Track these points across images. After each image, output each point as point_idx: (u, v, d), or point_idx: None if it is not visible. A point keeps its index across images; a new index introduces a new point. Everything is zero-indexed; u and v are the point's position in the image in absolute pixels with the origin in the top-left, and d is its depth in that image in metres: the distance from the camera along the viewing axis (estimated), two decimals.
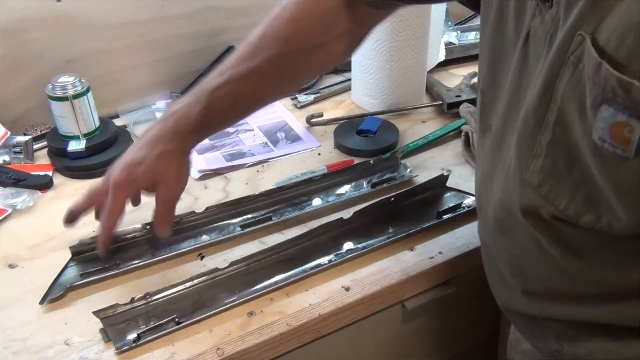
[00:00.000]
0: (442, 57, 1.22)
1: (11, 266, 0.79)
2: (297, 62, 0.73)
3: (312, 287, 0.75)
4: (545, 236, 0.53)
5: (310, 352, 0.74)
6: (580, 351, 0.58)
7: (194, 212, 0.84)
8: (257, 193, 0.88)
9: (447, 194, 0.89)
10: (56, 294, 0.73)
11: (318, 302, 0.72)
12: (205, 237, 0.82)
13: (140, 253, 0.80)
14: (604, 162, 0.44)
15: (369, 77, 1.10)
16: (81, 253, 0.79)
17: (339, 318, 0.73)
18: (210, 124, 0.74)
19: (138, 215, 0.81)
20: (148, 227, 0.81)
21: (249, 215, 0.86)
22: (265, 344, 0.68)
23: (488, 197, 0.61)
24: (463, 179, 0.93)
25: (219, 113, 0.73)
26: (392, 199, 0.85)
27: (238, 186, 0.92)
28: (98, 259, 0.77)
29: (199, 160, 0.99)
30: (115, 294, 0.74)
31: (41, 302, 0.73)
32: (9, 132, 1.01)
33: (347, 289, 0.74)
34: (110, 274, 0.77)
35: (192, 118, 0.72)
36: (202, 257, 0.79)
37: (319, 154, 1.01)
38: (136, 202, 0.79)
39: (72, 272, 0.77)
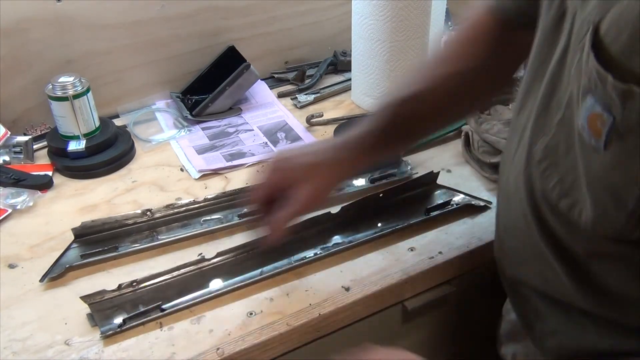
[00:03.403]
0: None
1: (11, 266, 0.79)
2: (461, 83, 0.72)
3: (307, 283, 0.75)
4: (532, 213, 0.55)
5: (310, 352, 0.74)
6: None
7: (194, 200, 0.86)
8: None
9: (438, 192, 0.90)
10: (56, 273, 0.75)
11: (318, 302, 0.72)
12: (204, 226, 0.84)
13: (140, 238, 0.82)
14: (582, 149, 0.46)
15: (369, 77, 1.10)
16: (84, 235, 0.81)
17: (339, 318, 0.73)
18: (388, 140, 0.70)
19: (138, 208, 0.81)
20: (148, 212, 0.83)
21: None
22: (265, 344, 0.68)
23: (505, 162, 0.64)
24: (463, 179, 0.93)
25: (398, 131, 0.71)
26: (381, 194, 0.86)
27: (238, 186, 0.92)
28: (100, 242, 0.80)
29: (199, 160, 0.99)
30: (112, 277, 0.76)
31: (41, 280, 0.75)
32: (9, 132, 1.01)
33: (347, 289, 0.74)
34: (109, 255, 0.79)
35: (375, 132, 0.69)
36: (200, 255, 0.79)
37: None
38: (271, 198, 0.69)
39: (74, 253, 0.79)
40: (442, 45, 0.78)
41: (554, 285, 0.58)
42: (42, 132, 1.05)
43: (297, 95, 1.17)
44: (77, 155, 0.97)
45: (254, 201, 0.68)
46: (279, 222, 0.66)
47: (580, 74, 0.45)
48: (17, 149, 0.98)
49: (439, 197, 0.89)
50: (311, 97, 1.17)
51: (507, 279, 0.69)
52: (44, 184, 0.93)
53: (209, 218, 0.85)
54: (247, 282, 0.75)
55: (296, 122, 1.10)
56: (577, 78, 0.45)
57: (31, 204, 0.89)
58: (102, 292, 0.71)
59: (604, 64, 0.41)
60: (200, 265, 0.76)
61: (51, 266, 0.77)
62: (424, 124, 0.74)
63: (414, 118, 0.71)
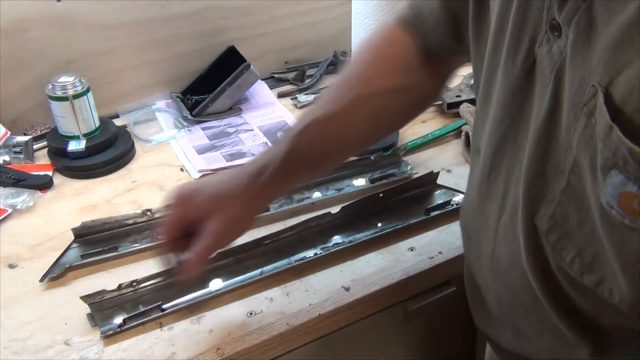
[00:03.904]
0: None
1: (11, 266, 0.79)
2: (381, 104, 0.66)
3: (307, 283, 0.75)
4: (542, 287, 0.50)
5: (310, 352, 0.74)
6: None
7: None
8: None
9: (438, 192, 0.90)
10: (56, 273, 0.75)
11: (318, 302, 0.72)
12: None
13: (140, 238, 0.82)
14: (611, 227, 0.40)
15: None
16: (84, 235, 0.81)
17: (339, 318, 0.73)
18: (295, 168, 0.65)
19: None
20: (148, 212, 0.83)
21: None
22: (265, 344, 0.68)
23: (480, 230, 0.58)
24: (463, 179, 0.93)
25: (304, 157, 0.65)
26: (381, 194, 0.86)
27: None
28: (100, 242, 0.80)
29: (199, 160, 0.99)
30: (112, 277, 0.76)
31: (41, 280, 0.75)
32: (9, 132, 1.01)
33: (347, 289, 0.74)
34: (109, 255, 0.79)
35: (277, 160, 0.63)
36: None
37: None
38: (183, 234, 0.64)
39: (74, 253, 0.79)
40: (352, 62, 0.70)
41: None
42: (42, 132, 1.05)
43: (297, 95, 1.17)
44: (77, 155, 0.97)
45: (165, 238, 0.64)
46: (193, 260, 0.62)
47: (590, 143, 0.40)
48: (17, 149, 0.98)
49: (439, 197, 0.89)
50: (311, 97, 1.17)
51: (503, 351, 0.64)
52: (44, 184, 0.93)
53: None
54: (247, 282, 0.75)
55: None
56: (586, 147, 0.40)
57: (31, 204, 0.89)
58: (102, 292, 0.71)
59: (631, 136, 0.36)
60: None
61: (51, 266, 0.77)
62: (332, 150, 0.67)
63: (318, 145, 0.65)
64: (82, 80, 0.97)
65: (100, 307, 0.70)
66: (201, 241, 0.61)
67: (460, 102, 1.05)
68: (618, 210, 0.38)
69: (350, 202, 0.84)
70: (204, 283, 0.74)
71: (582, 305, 0.48)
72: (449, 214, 0.86)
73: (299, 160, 0.64)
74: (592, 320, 0.49)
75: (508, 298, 0.57)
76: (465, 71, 1.21)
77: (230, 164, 0.98)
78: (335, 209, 0.83)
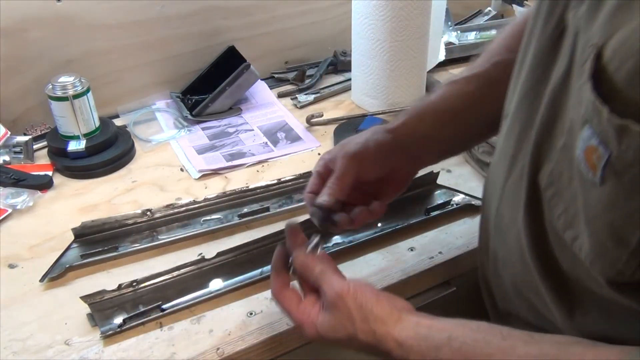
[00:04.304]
0: (442, 57, 1.22)
1: (11, 266, 0.79)
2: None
3: None
4: (531, 245, 0.52)
5: (310, 352, 0.74)
6: None
7: (194, 200, 0.86)
8: (257, 185, 0.89)
9: (438, 192, 0.90)
10: (56, 273, 0.75)
11: None
12: (204, 226, 0.84)
13: (140, 238, 0.82)
14: (581, 182, 0.43)
15: (369, 77, 1.10)
16: (84, 235, 0.81)
17: None
18: (430, 116, 0.68)
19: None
20: (148, 212, 0.83)
21: (248, 206, 0.88)
22: (265, 344, 0.68)
23: (490, 190, 0.61)
24: (463, 179, 0.93)
25: (439, 108, 0.68)
26: None
27: (238, 186, 0.92)
28: (100, 242, 0.80)
29: (199, 160, 0.99)
30: (112, 277, 0.76)
31: (41, 280, 0.75)
32: (9, 132, 1.01)
33: None
34: (109, 255, 0.79)
35: (412, 107, 0.68)
36: (200, 255, 0.79)
37: (319, 154, 1.01)
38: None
39: (74, 253, 0.79)
40: (496, 38, 0.73)
41: (546, 323, 0.56)
42: (42, 132, 1.05)
43: (297, 95, 1.17)
44: (77, 155, 0.97)
45: (308, 193, 0.68)
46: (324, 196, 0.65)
47: (580, 101, 0.42)
48: (17, 149, 0.98)
49: (439, 197, 0.89)
50: (311, 97, 1.17)
51: (498, 310, 0.66)
52: (44, 184, 0.93)
53: (209, 218, 0.85)
54: (247, 282, 0.75)
55: (296, 122, 1.10)
56: (577, 104, 0.43)
57: (31, 204, 0.89)
58: (102, 292, 0.71)
59: (604, 94, 0.38)
60: (200, 265, 0.76)
61: (51, 266, 0.77)
62: (464, 107, 0.69)
63: (453, 99, 0.68)
64: (82, 80, 0.97)
65: (100, 307, 0.70)
66: (330, 181, 0.65)
67: None
68: (585, 164, 0.41)
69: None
70: (204, 283, 0.74)
71: (563, 265, 0.50)
72: (449, 214, 0.86)
73: (433, 109, 0.68)
74: (569, 283, 0.51)
75: (503, 256, 0.59)
76: None
77: (230, 163, 0.98)
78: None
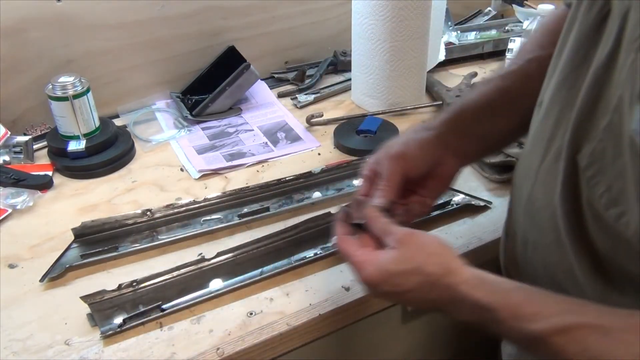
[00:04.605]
0: (442, 57, 1.22)
1: (11, 266, 0.79)
2: None
3: (307, 283, 0.75)
4: (567, 224, 0.53)
5: (310, 352, 0.74)
6: None
7: (194, 200, 0.86)
8: (257, 184, 0.89)
9: None
10: (56, 273, 0.76)
11: (318, 302, 0.72)
12: (204, 226, 0.84)
13: (140, 238, 0.82)
14: (634, 156, 0.43)
15: (369, 77, 1.10)
16: (84, 235, 0.81)
17: (339, 318, 0.73)
18: (470, 113, 0.71)
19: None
20: (148, 212, 0.83)
21: (248, 206, 0.88)
22: (265, 344, 0.68)
23: (523, 174, 0.61)
24: (463, 179, 0.93)
25: (478, 105, 0.71)
26: None
27: (238, 186, 0.92)
28: (100, 242, 0.80)
29: (199, 160, 0.99)
30: (112, 277, 0.76)
31: (41, 280, 0.75)
32: (9, 132, 1.01)
33: (347, 289, 0.74)
34: (109, 255, 0.79)
35: (451, 106, 0.71)
36: (200, 255, 0.79)
37: (319, 154, 1.01)
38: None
39: (74, 253, 0.79)
40: (529, 37, 0.75)
41: None
42: (42, 132, 1.05)
43: (297, 95, 1.17)
44: (77, 155, 0.97)
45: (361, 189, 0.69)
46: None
47: (633, 77, 0.43)
48: (17, 149, 0.98)
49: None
50: (311, 97, 1.17)
51: None
52: (44, 184, 0.93)
53: (209, 218, 0.85)
54: (247, 282, 0.75)
55: (296, 122, 1.10)
56: (630, 81, 0.43)
57: (31, 204, 0.89)
58: (102, 292, 0.71)
59: None
60: (200, 265, 0.76)
61: (51, 266, 0.77)
62: (502, 103, 0.70)
63: (492, 93, 0.70)
64: (82, 80, 0.97)
65: (100, 307, 0.70)
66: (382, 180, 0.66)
67: None
68: None
69: (350, 202, 0.84)
70: (204, 283, 0.75)
71: (601, 246, 0.50)
72: (449, 214, 0.86)
73: (471, 105, 0.70)
74: (606, 264, 0.51)
75: (533, 240, 0.60)
76: (465, 71, 1.22)
77: (230, 163, 0.98)
78: (335, 209, 0.83)
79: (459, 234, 0.83)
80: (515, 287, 0.54)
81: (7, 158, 0.98)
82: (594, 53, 0.50)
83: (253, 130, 1.08)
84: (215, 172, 0.97)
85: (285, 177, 0.91)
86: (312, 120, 1.08)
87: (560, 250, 0.55)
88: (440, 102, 1.11)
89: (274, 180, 0.90)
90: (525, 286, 0.54)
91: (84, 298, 0.70)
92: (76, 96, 0.96)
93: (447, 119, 0.70)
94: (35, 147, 1.01)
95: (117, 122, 1.07)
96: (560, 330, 0.49)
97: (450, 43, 1.29)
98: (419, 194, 0.70)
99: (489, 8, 1.47)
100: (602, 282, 0.52)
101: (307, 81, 1.21)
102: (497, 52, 1.31)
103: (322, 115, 1.09)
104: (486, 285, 0.54)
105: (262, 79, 1.21)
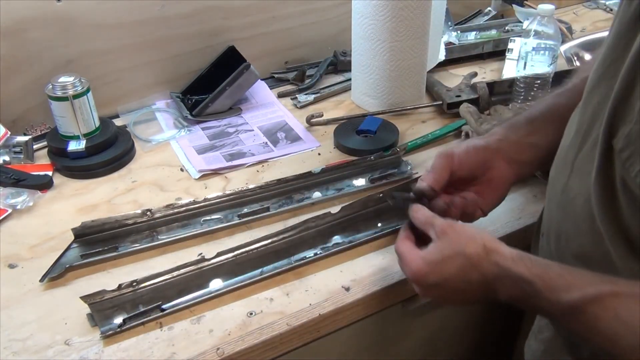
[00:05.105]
0: (442, 57, 1.22)
1: (11, 266, 0.79)
2: None
3: (307, 283, 0.75)
4: (602, 209, 0.54)
5: (310, 352, 0.74)
6: None
7: (194, 200, 0.86)
8: (257, 185, 0.89)
9: None
10: (56, 273, 0.76)
11: (318, 302, 0.72)
12: (204, 226, 0.84)
13: (140, 238, 0.82)
14: None
15: (369, 77, 1.10)
16: (84, 235, 0.81)
17: (339, 318, 0.73)
18: (525, 124, 0.74)
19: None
20: (148, 212, 0.83)
21: (248, 206, 0.88)
22: (265, 344, 0.68)
23: (559, 167, 0.63)
24: None
25: (535, 115, 0.75)
26: (381, 194, 0.86)
27: (238, 186, 0.92)
28: (100, 242, 0.80)
29: (199, 160, 0.99)
30: (112, 277, 0.76)
31: (41, 280, 0.75)
32: (9, 132, 1.01)
33: (347, 289, 0.74)
34: (109, 255, 0.79)
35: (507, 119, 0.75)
36: (200, 255, 0.79)
37: (319, 154, 1.01)
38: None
39: (74, 253, 0.79)
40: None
41: None
42: (42, 132, 1.05)
43: (297, 95, 1.17)
44: (77, 155, 0.97)
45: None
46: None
47: None
48: (17, 149, 0.98)
49: None
50: (311, 97, 1.17)
51: None
52: (44, 184, 0.93)
53: (209, 218, 0.85)
54: (247, 282, 0.75)
55: (296, 122, 1.10)
56: None
57: (31, 204, 0.89)
58: (102, 292, 0.71)
59: None
60: (200, 265, 0.76)
61: (51, 266, 0.77)
62: (553, 118, 0.73)
63: (545, 111, 0.73)
64: (82, 80, 0.97)
65: (100, 307, 0.70)
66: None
67: (460, 102, 1.05)
68: None
69: (350, 202, 0.84)
70: (204, 283, 0.75)
71: (635, 229, 0.52)
72: None
73: (526, 117, 0.74)
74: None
75: (567, 230, 0.62)
76: (465, 71, 1.22)
77: (230, 163, 0.98)
78: (335, 209, 0.83)
79: None
80: (551, 263, 0.57)
81: (7, 158, 0.98)
82: (632, 44, 0.52)
83: (253, 130, 1.08)
84: (215, 172, 0.97)
85: (285, 177, 0.91)
86: (312, 120, 1.08)
87: (596, 237, 0.56)
88: (440, 102, 1.11)
89: (274, 180, 0.90)
90: (561, 264, 0.57)
91: (84, 298, 0.70)
92: (76, 96, 0.96)
93: (501, 129, 0.74)
94: (35, 147, 1.01)
95: (117, 122, 1.07)
96: (594, 299, 0.52)
97: (450, 43, 1.29)
98: (474, 199, 0.73)
99: (489, 8, 1.47)
100: (637, 267, 0.54)
101: (307, 81, 1.21)
102: (497, 52, 1.31)
103: (322, 115, 1.09)
104: (525, 260, 0.57)
105: (262, 79, 1.21)
